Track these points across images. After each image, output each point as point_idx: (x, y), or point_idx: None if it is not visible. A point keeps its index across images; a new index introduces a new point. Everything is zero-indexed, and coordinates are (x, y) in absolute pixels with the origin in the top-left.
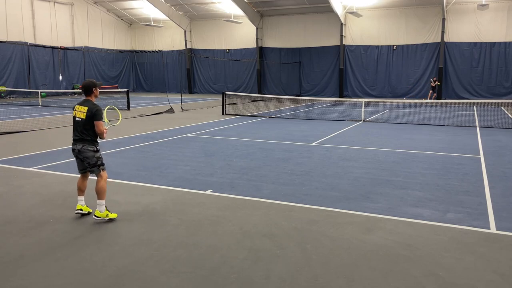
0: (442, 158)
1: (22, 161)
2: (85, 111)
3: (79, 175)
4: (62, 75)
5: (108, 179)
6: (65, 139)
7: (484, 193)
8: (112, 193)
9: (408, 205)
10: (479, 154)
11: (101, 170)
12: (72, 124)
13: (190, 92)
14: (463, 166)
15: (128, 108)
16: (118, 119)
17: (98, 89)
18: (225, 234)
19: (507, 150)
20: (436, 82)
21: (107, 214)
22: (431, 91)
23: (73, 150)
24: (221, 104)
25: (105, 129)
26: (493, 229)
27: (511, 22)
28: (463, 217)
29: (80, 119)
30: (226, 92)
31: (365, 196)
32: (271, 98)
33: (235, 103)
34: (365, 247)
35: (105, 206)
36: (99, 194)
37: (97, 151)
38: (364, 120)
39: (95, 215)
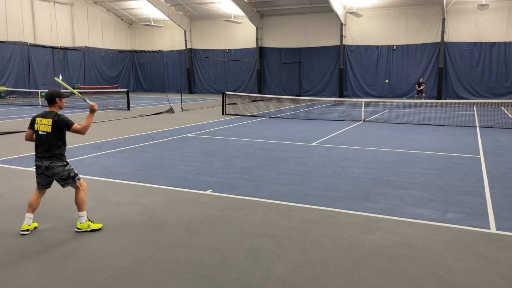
0: (442, 158)
1: (22, 161)
2: (50, 124)
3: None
4: (62, 75)
5: (108, 179)
6: None
7: (484, 193)
8: (112, 193)
9: (408, 205)
10: (479, 154)
11: (76, 181)
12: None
13: (190, 92)
14: (463, 166)
15: (128, 108)
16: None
17: (63, 99)
18: (225, 234)
19: (507, 150)
20: (423, 84)
21: (89, 225)
22: (416, 95)
23: (39, 167)
24: (221, 104)
25: (92, 104)
26: (493, 229)
27: (511, 22)
28: (463, 217)
29: (44, 133)
30: (226, 92)
31: (365, 196)
32: (271, 98)
33: (235, 103)
34: (365, 247)
35: (87, 217)
36: (79, 205)
37: (67, 164)
38: (364, 120)
39: (76, 228)
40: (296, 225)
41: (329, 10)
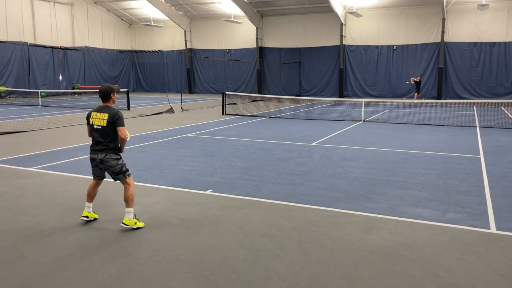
0: (442, 158)
1: (22, 161)
2: (106, 118)
3: (78, 175)
4: (62, 75)
5: (108, 179)
6: (65, 139)
7: (484, 193)
8: (112, 193)
9: (408, 205)
10: (479, 154)
11: (127, 177)
12: (88, 132)
13: (190, 92)
14: (463, 166)
15: (128, 108)
16: (128, 135)
17: (115, 94)
18: (225, 234)
19: (507, 150)
20: (416, 78)
21: (136, 223)
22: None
23: (93, 159)
24: (221, 104)
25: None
26: (493, 229)
27: (511, 22)
28: (463, 217)
29: (100, 127)
30: (226, 92)
31: (365, 196)
32: (271, 98)
33: (235, 103)
34: (365, 247)
35: (134, 214)
36: (128, 201)
37: (120, 158)
38: (364, 120)
39: (123, 223)
40: (296, 225)
41: (329, 10)
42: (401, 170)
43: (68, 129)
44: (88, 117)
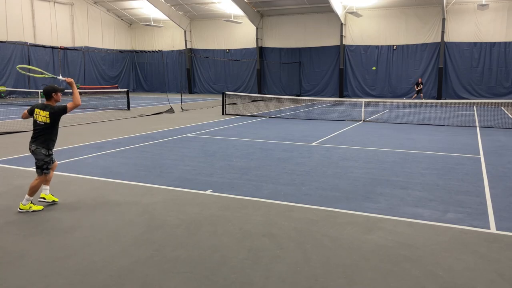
0: (442, 158)
1: (22, 161)
2: (47, 115)
3: (78, 175)
4: (62, 75)
5: (108, 179)
6: (65, 139)
7: (484, 193)
8: (112, 193)
9: (408, 205)
10: (479, 154)
11: (43, 174)
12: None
13: (190, 92)
14: (463, 166)
15: (128, 108)
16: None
17: (59, 94)
18: (225, 234)
19: (507, 150)
20: (421, 85)
21: (30, 207)
22: (415, 95)
23: (29, 149)
24: (221, 104)
25: (64, 78)
26: (493, 229)
27: (511, 22)
28: (463, 217)
29: (43, 123)
30: (226, 92)
31: (365, 196)
32: (271, 98)
33: (235, 103)
34: (365, 247)
35: (31, 201)
36: (31, 190)
37: (49, 155)
38: (364, 120)
39: (19, 208)
40: (296, 225)
41: (329, 10)
42: (401, 170)
43: (68, 129)
44: (32, 110)
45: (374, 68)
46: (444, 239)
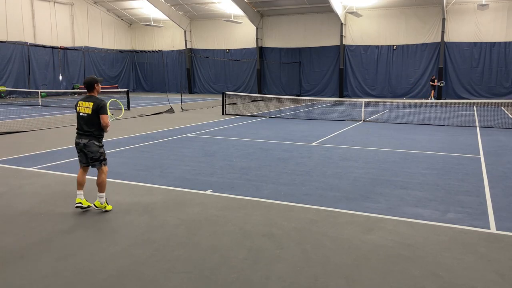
0: (442, 158)
1: (22, 161)
2: (91, 106)
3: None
4: (62, 75)
5: (108, 179)
6: (65, 139)
7: (484, 193)
8: (112, 193)
9: (408, 205)
10: (479, 154)
11: (102, 165)
12: (76, 120)
13: (190, 92)
14: (463, 166)
15: (128, 108)
16: (121, 112)
17: (99, 85)
18: (225, 234)
19: (507, 150)
20: (435, 81)
21: (105, 206)
22: (433, 91)
23: (77, 144)
24: (221, 104)
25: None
26: (493, 229)
27: (511, 22)
28: (463, 217)
29: (85, 115)
30: (226, 92)
31: (365, 196)
32: (271, 98)
33: (235, 103)
34: (365, 247)
35: (106, 199)
36: (100, 187)
37: (102, 146)
38: (364, 120)
39: (94, 205)
40: (296, 225)
41: (329, 10)
42: (401, 170)
43: (68, 129)
44: (76, 105)
45: (442, 83)
46: (444, 239)
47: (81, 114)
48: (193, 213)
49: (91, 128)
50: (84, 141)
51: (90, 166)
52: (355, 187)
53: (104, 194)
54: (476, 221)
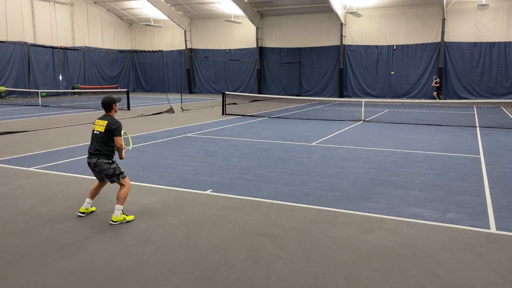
0: (442, 158)
1: (22, 161)
2: (104, 125)
3: (78, 175)
4: (62, 75)
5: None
6: (65, 139)
7: (484, 193)
8: (112, 193)
9: (408, 205)
10: (479, 154)
11: (121, 179)
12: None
13: (190, 92)
14: (463, 166)
15: (128, 108)
16: (130, 145)
17: (117, 105)
18: (225, 234)
19: (507, 150)
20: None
21: (124, 218)
22: (436, 93)
23: (89, 163)
24: (221, 104)
25: (125, 148)
26: (493, 229)
27: (511, 22)
28: (463, 217)
29: (98, 132)
30: (226, 92)
31: (365, 196)
32: (271, 98)
33: (235, 103)
34: (365, 247)
35: (122, 211)
36: (119, 199)
37: (113, 162)
38: (364, 120)
39: (112, 220)
40: (296, 225)
41: (329, 10)
42: (401, 170)
43: (68, 129)
44: (94, 123)
45: (393, 72)
46: (444, 239)
47: (94, 131)
48: (193, 213)
49: (100, 147)
50: (94, 160)
51: (105, 182)
52: (355, 187)
53: (121, 206)
54: (476, 221)
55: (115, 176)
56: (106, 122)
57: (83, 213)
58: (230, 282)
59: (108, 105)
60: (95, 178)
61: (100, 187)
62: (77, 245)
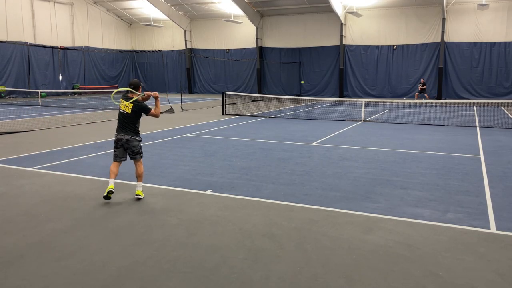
0: (442, 158)
1: (22, 161)
2: (130, 107)
3: (78, 175)
4: (62, 75)
5: (108, 179)
6: (65, 139)
7: (484, 193)
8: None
9: (408, 205)
10: (479, 154)
11: (141, 158)
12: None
13: (190, 92)
14: (463, 166)
15: None
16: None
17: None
18: (225, 234)
19: (507, 150)
20: (423, 85)
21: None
22: (417, 93)
23: (120, 139)
24: (221, 104)
25: (152, 93)
26: (493, 229)
27: (511, 22)
28: (463, 217)
29: (124, 112)
30: (226, 92)
31: (365, 196)
32: (271, 98)
33: (235, 103)
34: (365, 247)
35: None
36: (141, 177)
37: (141, 140)
38: (364, 120)
39: (138, 195)
40: (296, 225)
41: (329, 10)
42: (401, 170)
43: (68, 129)
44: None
45: (302, 82)
46: (444, 239)
47: (120, 110)
48: (193, 213)
49: (129, 125)
50: (127, 136)
51: (122, 162)
52: (355, 187)
53: (142, 183)
54: (476, 221)
55: (139, 154)
56: (132, 105)
57: (112, 191)
58: (230, 282)
59: (137, 86)
60: (94, 177)
61: (118, 166)
62: (77, 245)
